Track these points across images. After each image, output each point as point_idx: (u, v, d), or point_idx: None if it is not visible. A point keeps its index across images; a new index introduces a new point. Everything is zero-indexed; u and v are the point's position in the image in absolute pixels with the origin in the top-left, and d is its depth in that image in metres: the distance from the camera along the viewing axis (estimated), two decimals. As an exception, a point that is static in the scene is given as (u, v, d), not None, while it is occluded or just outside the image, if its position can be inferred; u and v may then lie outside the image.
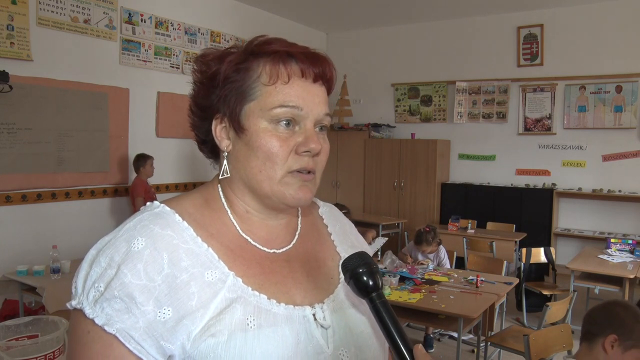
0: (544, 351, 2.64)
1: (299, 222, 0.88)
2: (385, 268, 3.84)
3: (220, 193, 0.82)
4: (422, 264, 4.16)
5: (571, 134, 6.39)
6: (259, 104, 0.76)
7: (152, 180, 5.09)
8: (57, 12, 4.55)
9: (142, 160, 4.91)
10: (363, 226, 5.30)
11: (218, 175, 0.83)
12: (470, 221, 5.91)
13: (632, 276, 3.98)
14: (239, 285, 0.74)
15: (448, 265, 4.36)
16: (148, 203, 0.80)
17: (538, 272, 4.97)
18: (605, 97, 6.14)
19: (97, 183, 4.99)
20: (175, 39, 5.69)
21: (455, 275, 3.82)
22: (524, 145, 6.67)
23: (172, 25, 5.65)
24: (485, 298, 3.33)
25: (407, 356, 0.66)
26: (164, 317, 0.68)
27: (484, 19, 6.84)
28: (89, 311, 0.68)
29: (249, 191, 0.80)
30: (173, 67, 5.66)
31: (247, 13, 6.56)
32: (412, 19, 7.21)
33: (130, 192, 4.93)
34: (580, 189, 6.28)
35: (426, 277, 3.74)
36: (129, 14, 5.19)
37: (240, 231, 0.80)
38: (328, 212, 0.97)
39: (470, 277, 3.71)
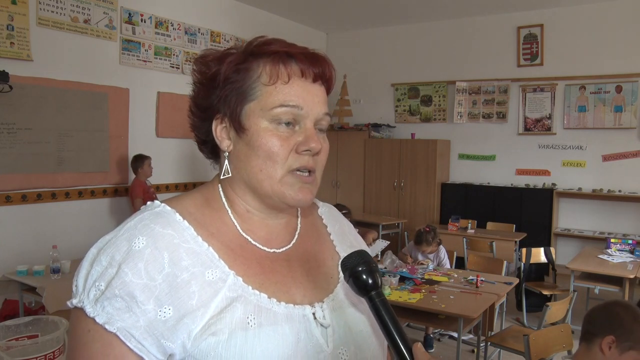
0: (544, 351, 2.64)
1: (299, 222, 0.89)
2: (385, 268, 3.84)
3: (221, 192, 0.82)
4: (422, 264, 4.16)
5: (571, 134, 6.39)
6: (260, 103, 0.76)
7: (152, 180, 5.09)
8: (57, 12, 4.55)
9: (140, 161, 4.91)
10: (363, 226, 5.30)
11: (218, 175, 0.83)
12: (470, 221, 5.91)
13: (632, 276, 3.97)
14: (240, 284, 0.74)
15: (448, 265, 4.36)
16: (149, 202, 0.80)
17: (538, 272, 4.97)
18: (605, 97, 6.14)
19: (97, 183, 4.99)
20: (175, 39, 5.69)
21: (455, 275, 3.82)
22: (524, 145, 6.67)
23: (172, 25, 5.65)
24: (485, 298, 3.33)
25: (406, 355, 0.67)
26: (164, 316, 0.68)
27: (484, 19, 6.84)
28: (89, 310, 0.68)
29: (250, 191, 0.80)
30: (173, 67, 5.66)
31: (247, 13, 6.57)
32: (412, 19, 7.21)
33: (129, 193, 4.94)
34: (580, 189, 6.28)
35: (426, 277, 3.74)
36: (129, 14, 5.20)
37: (241, 230, 0.80)
38: (327, 213, 0.97)
39: (470, 277, 3.71)
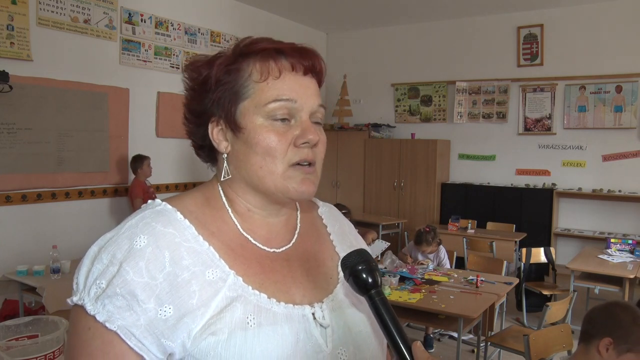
0: (544, 351, 2.64)
1: (298, 220, 0.89)
2: (385, 268, 3.84)
3: (221, 192, 0.82)
4: (422, 264, 4.16)
5: (571, 134, 6.39)
6: (253, 101, 0.76)
7: (152, 180, 5.09)
8: (57, 12, 4.56)
9: (139, 161, 4.91)
10: (363, 226, 5.31)
11: (217, 175, 0.83)
12: (470, 221, 5.91)
13: (632, 276, 3.97)
14: (240, 284, 0.74)
15: (448, 265, 4.36)
16: (149, 201, 0.80)
17: (538, 272, 4.97)
18: (605, 97, 6.14)
19: (97, 183, 4.99)
20: (175, 39, 5.69)
21: (455, 275, 3.82)
22: (524, 145, 6.67)
23: (172, 25, 5.65)
24: (485, 298, 3.33)
25: (405, 354, 0.67)
26: (164, 315, 0.68)
27: (484, 19, 6.84)
28: (90, 307, 0.68)
29: (251, 189, 0.80)
30: (173, 67, 5.66)
31: (247, 13, 6.57)
32: (412, 19, 7.21)
33: (129, 193, 4.94)
34: (580, 189, 6.28)
35: (426, 277, 3.74)
36: (129, 14, 5.20)
37: (241, 230, 0.80)
38: (327, 212, 0.98)
39: (470, 277, 3.71)
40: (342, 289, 0.84)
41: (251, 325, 0.71)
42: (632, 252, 4.59)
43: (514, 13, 6.60)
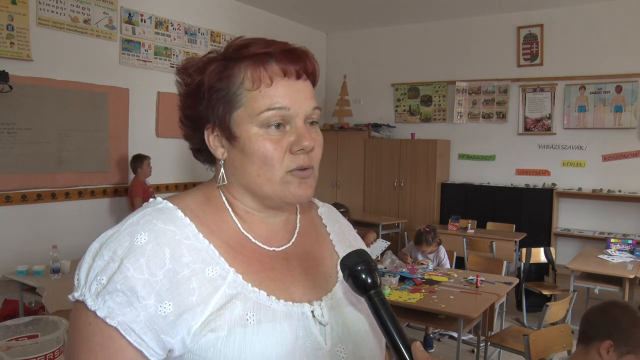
0: (544, 351, 2.64)
1: (298, 220, 0.89)
2: (385, 268, 3.84)
3: (221, 193, 0.83)
4: (422, 264, 4.16)
5: (571, 134, 6.39)
6: (247, 110, 0.76)
7: (152, 180, 5.09)
8: (57, 12, 4.56)
9: (139, 160, 4.92)
10: (363, 226, 5.30)
11: (216, 176, 0.84)
12: (470, 221, 5.91)
13: (632, 276, 3.97)
14: (239, 281, 0.74)
15: (448, 265, 4.36)
16: (151, 199, 0.80)
17: (538, 272, 4.97)
18: (605, 97, 6.14)
19: (97, 183, 4.99)
20: (175, 39, 5.69)
21: (455, 275, 3.82)
22: (524, 145, 6.67)
23: (172, 25, 5.65)
24: (485, 298, 3.33)
25: (405, 354, 0.67)
26: (164, 312, 0.69)
27: (484, 19, 6.84)
28: (90, 303, 0.69)
29: (249, 194, 0.81)
30: (173, 67, 5.66)
31: (247, 13, 6.57)
32: (412, 19, 7.21)
33: (129, 192, 4.94)
34: (580, 189, 6.28)
35: (426, 277, 3.74)
36: (129, 14, 5.20)
37: (241, 229, 0.81)
38: (327, 213, 0.98)
39: (470, 277, 3.71)
40: (341, 287, 0.84)
41: (250, 322, 0.71)
42: (632, 252, 4.59)
43: (514, 13, 6.60)
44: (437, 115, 7.29)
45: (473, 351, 3.90)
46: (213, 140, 0.80)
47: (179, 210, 0.77)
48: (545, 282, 4.93)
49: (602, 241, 5.31)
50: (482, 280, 3.59)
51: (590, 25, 6.19)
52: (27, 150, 4.39)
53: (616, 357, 1.58)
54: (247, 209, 0.82)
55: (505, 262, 4.21)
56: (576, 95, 6.31)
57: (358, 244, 0.98)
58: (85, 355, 0.68)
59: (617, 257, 4.48)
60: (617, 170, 6.12)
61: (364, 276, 0.71)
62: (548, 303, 3.20)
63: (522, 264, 4.80)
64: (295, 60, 0.77)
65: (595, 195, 6.19)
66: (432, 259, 4.31)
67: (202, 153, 0.85)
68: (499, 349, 3.52)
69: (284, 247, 0.83)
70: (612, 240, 4.83)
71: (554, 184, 6.43)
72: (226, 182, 0.81)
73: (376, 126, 7.44)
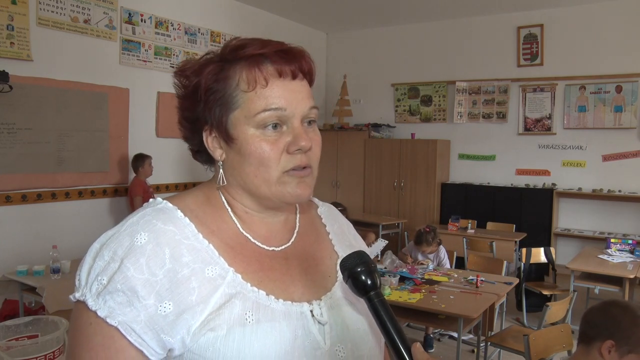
0: (544, 351, 2.64)
1: (297, 220, 0.89)
2: (385, 268, 3.84)
3: (221, 194, 0.83)
4: (422, 264, 4.16)
5: (571, 134, 6.39)
6: (243, 111, 0.76)
7: (152, 180, 5.10)
8: (57, 12, 4.56)
9: (141, 160, 4.92)
10: (363, 226, 5.31)
11: (216, 176, 0.84)
12: (470, 221, 5.91)
13: (632, 276, 3.97)
14: (239, 281, 0.75)
15: (448, 265, 4.36)
16: (151, 199, 0.81)
17: (538, 272, 4.97)
18: (605, 97, 6.14)
19: (97, 183, 4.99)
20: (175, 39, 5.69)
21: (455, 275, 3.82)
22: (524, 145, 6.67)
23: (172, 25, 5.65)
24: (485, 298, 3.33)
25: (405, 355, 0.67)
26: (164, 311, 0.69)
27: (484, 19, 6.84)
28: (91, 303, 0.69)
29: (248, 195, 0.81)
30: (173, 67, 5.65)
31: (247, 13, 6.57)
32: (412, 19, 7.21)
33: (129, 192, 4.94)
34: (580, 189, 6.28)
35: (426, 277, 3.74)
36: (129, 14, 5.20)
37: (241, 229, 0.81)
38: (327, 212, 0.98)
39: (470, 277, 3.71)
40: (340, 287, 0.84)
41: (249, 322, 0.72)
42: (632, 252, 4.59)
43: (514, 13, 6.60)
44: (437, 115, 7.29)
45: (473, 351, 3.90)
46: (211, 142, 0.80)
47: (179, 211, 0.77)
48: (545, 282, 4.93)
49: (602, 241, 5.31)
50: (482, 280, 3.59)
51: (590, 25, 6.19)
52: (27, 150, 4.39)
53: (618, 357, 1.58)
54: (247, 209, 0.82)
55: (505, 262, 4.21)
56: (576, 95, 6.31)
57: (358, 243, 0.98)
58: (87, 355, 0.69)
59: (617, 257, 4.48)
60: (617, 170, 6.12)
61: (363, 277, 0.71)
62: (548, 303, 3.20)
63: (522, 264, 4.80)
64: (291, 61, 0.77)
65: (595, 195, 6.19)
66: (432, 259, 4.31)
67: (201, 154, 0.85)
68: (499, 349, 3.52)
69: (283, 247, 0.83)
70: (612, 240, 4.83)
71: (554, 184, 6.43)
72: (225, 183, 0.81)
73: (376, 126, 7.44)
